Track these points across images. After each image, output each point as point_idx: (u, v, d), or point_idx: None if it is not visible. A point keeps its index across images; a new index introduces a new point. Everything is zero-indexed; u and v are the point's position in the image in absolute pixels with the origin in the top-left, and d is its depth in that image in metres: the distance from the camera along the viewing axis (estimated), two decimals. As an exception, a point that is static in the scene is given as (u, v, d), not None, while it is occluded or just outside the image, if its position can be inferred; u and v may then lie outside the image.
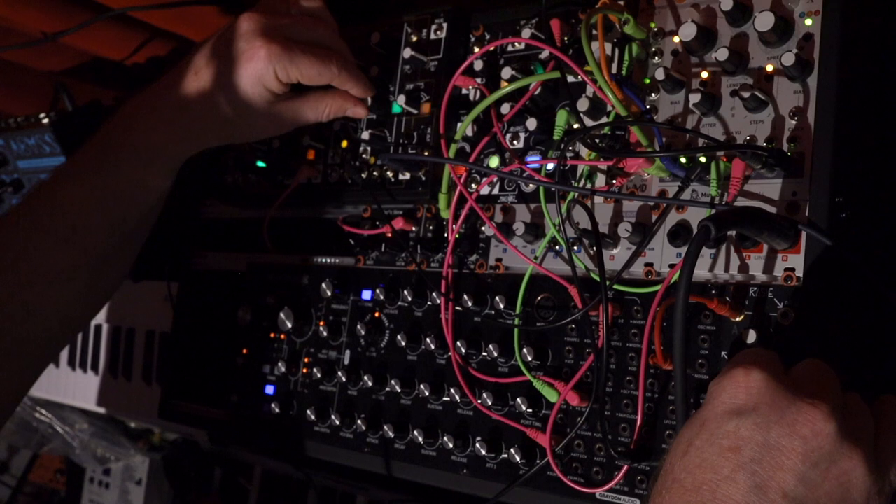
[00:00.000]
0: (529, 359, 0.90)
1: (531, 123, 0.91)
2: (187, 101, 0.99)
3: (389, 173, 1.03)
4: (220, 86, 0.98)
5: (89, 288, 1.06)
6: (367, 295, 1.06)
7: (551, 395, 0.87)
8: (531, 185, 0.93)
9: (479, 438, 0.92)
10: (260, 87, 0.97)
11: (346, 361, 1.06)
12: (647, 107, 0.85)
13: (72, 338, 1.16)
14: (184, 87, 0.99)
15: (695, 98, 0.81)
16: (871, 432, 0.63)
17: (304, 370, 1.10)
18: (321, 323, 1.09)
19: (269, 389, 1.13)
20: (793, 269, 0.75)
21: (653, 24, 0.87)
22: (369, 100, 1.05)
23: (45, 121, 1.33)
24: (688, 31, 0.81)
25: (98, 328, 1.50)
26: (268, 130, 1.04)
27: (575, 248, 0.87)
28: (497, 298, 0.93)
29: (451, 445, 0.94)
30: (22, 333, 0.99)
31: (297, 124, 1.04)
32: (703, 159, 0.79)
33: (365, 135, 1.04)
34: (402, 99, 1.02)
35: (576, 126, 0.87)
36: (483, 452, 0.91)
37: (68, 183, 1.02)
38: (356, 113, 1.04)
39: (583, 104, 0.86)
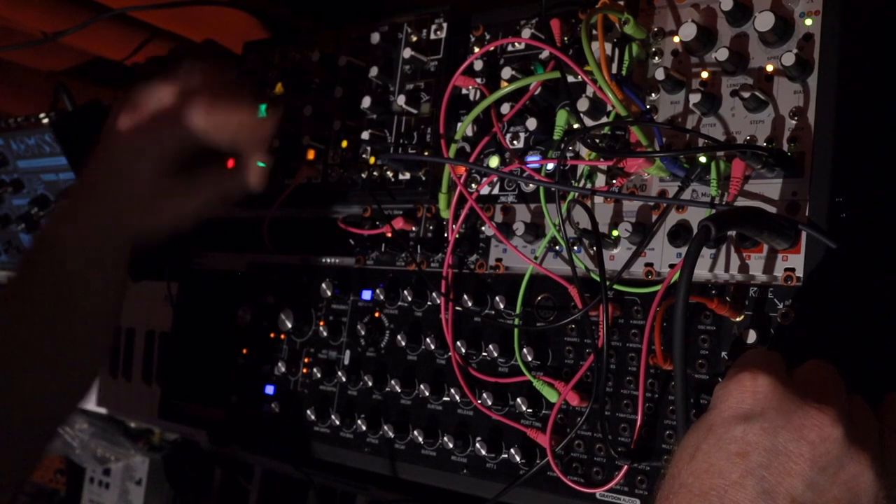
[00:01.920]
0: (529, 359, 0.90)
1: (531, 123, 0.91)
2: (95, 197, 1.00)
3: (389, 173, 1.03)
4: (105, 176, 0.99)
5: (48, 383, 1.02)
6: (367, 295, 1.06)
7: (551, 395, 0.87)
8: (531, 185, 0.93)
9: (479, 438, 0.92)
10: (137, 168, 0.97)
11: (346, 361, 1.06)
12: (647, 107, 0.85)
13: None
14: (87, 184, 1.01)
15: (695, 98, 0.81)
16: (876, 435, 0.62)
17: (304, 370, 1.10)
18: (321, 323, 1.09)
19: (269, 389, 1.13)
20: (793, 269, 0.75)
21: (652, 25, 0.87)
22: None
23: (45, 121, 1.33)
24: (688, 31, 0.81)
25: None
26: (169, 216, 1.02)
27: (575, 248, 0.87)
28: (497, 298, 0.93)
29: (451, 445, 0.94)
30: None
31: (184, 212, 1.02)
32: (703, 159, 0.79)
33: (365, 135, 1.04)
34: (402, 99, 1.02)
35: (576, 126, 0.87)
36: (483, 452, 0.91)
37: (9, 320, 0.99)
38: (258, 137, 1.02)
39: (583, 104, 0.86)
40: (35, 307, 0.97)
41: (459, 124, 0.98)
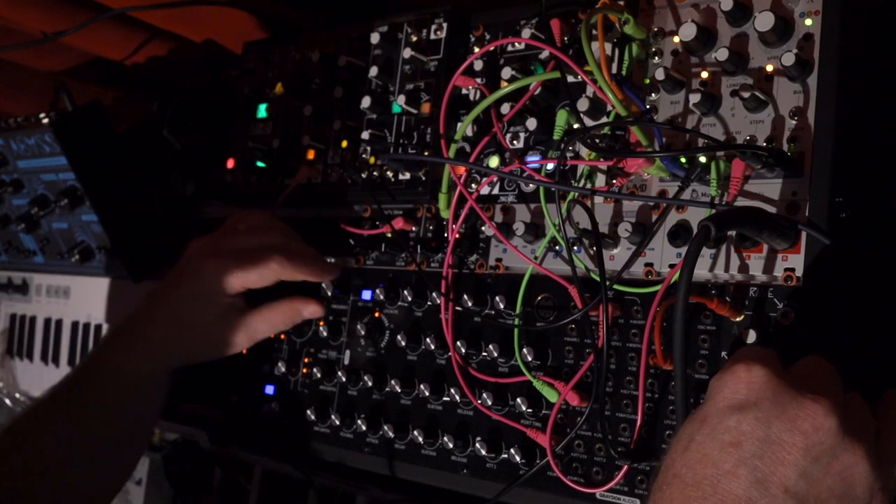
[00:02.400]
0: (529, 359, 0.90)
1: (531, 123, 0.91)
2: (153, 327, 1.03)
3: (389, 173, 1.03)
4: (173, 309, 1.03)
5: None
6: (367, 295, 1.06)
7: (551, 395, 0.87)
8: (531, 185, 0.93)
9: (479, 438, 0.92)
10: (208, 304, 1.02)
11: (346, 361, 1.06)
12: (647, 107, 0.85)
13: None
14: (146, 314, 1.04)
15: (695, 98, 0.81)
16: (872, 428, 0.63)
17: (304, 370, 1.10)
18: (321, 323, 1.09)
19: (269, 389, 1.13)
20: (793, 269, 0.75)
21: (653, 27, 0.87)
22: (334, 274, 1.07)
23: (45, 121, 1.32)
24: (688, 31, 0.81)
25: (98, 328, 1.50)
26: (228, 347, 1.05)
27: (575, 248, 0.87)
28: (497, 298, 0.93)
29: (451, 445, 0.93)
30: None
31: (256, 338, 1.06)
32: (703, 159, 0.79)
33: (365, 135, 1.04)
34: (402, 99, 1.02)
35: (576, 126, 0.87)
36: (483, 452, 0.91)
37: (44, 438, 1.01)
38: (312, 313, 1.06)
39: (583, 104, 0.86)
40: (72, 422, 1.01)
41: (459, 124, 0.98)
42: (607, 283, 0.83)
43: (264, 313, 1.05)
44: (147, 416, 1.08)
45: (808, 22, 0.78)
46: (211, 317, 1.03)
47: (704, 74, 0.83)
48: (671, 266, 0.82)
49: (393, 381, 0.99)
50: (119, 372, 1.02)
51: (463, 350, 0.94)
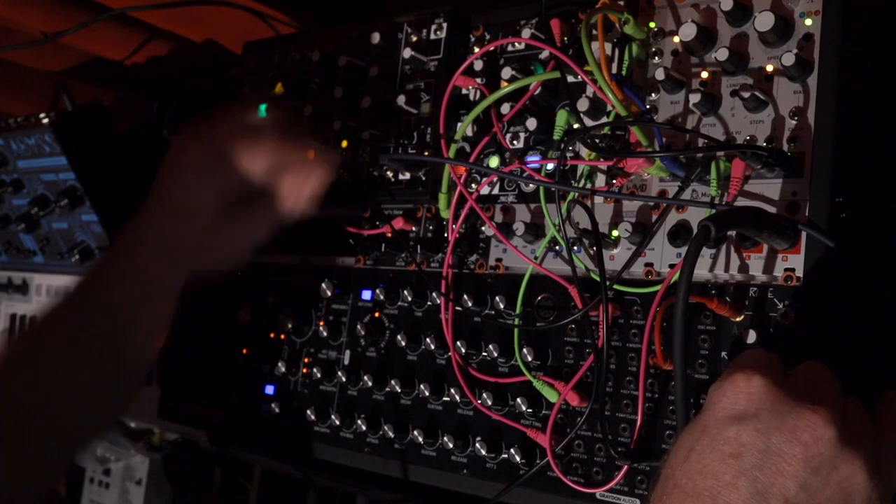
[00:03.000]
0: (529, 359, 0.90)
1: (531, 123, 0.91)
2: (155, 230, 0.98)
3: (389, 173, 1.03)
4: (167, 211, 0.98)
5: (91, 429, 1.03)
6: (367, 295, 1.06)
7: (551, 395, 0.87)
8: (531, 185, 0.93)
9: (479, 438, 0.92)
10: (202, 202, 0.96)
11: (346, 361, 1.06)
12: (647, 107, 0.85)
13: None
14: (146, 217, 0.99)
15: (695, 98, 0.81)
16: (871, 437, 0.62)
17: (304, 370, 1.10)
18: (321, 323, 1.09)
19: (269, 389, 1.13)
20: (793, 269, 0.75)
21: (652, 24, 0.87)
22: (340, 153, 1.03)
23: (45, 121, 1.32)
24: (688, 31, 0.81)
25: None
26: (241, 251, 1.01)
27: (575, 248, 0.87)
28: (497, 298, 0.93)
29: (451, 445, 0.93)
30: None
31: (262, 228, 1.00)
32: (702, 159, 0.79)
33: (365, 135, 1.04)
34: (401, 99, 1.02)
35: (576, 126, 0.87)
36: (483, 452, 0.91)
37: (54, 341, 0.98)
38: (316, 178, 0.98)
39: (583, 104, 0.86)
40: (78, 335, 0.97)
41: (459, 124, 0.98)
42: (607, 283, 0.83)
43: (271, 201, 0.99)
44: (154, 326, 1.02)
45: (808, 22, 0.78)
46: (208, 216, 0.97)
47: (704, 74, 0.83)
48: (671, 266, 0.82)
49: (393, 381, 0.99)
50: (124, 276, 0.97)
51: (463, 350, 0.94)
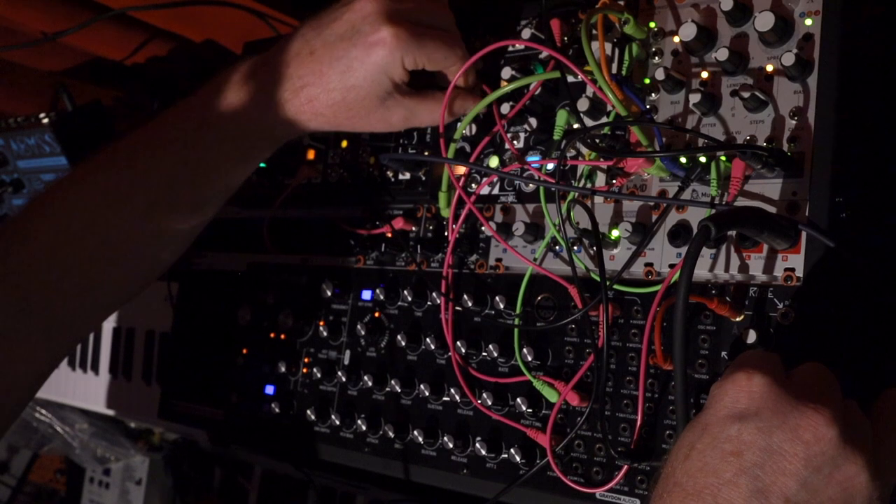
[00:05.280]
0: (529, 359, 0.90)
1: (531, 123, 0.91)
2: (301, 81, 0.91)
3: (389, 173, 1.03)
4: (338, 71, 0.90)
5: (147, 269, 1.00)
6: (367, 295, 1.06)
7: (551, 395, 0.87)
8: (531, 185, 0.93)
9: (479, 438, 0.92)
10: (382, 76, 0.89)
11: (346, 361, 1.06)
12: (647, 107, 0.85)
13: (105, 317, 1.08)
14: (297, 65, 0.91)
15: (695, 98, 0.81)
16: (870, 435, 0.63)
17: (304, 370, 1.10)
18: (321, 323, 1.09)
19: (269, 389, 1.13)
20: (793, 269, 0.75)
21: (653, 24, 0.87)
22: None
23: (45, 121, 1.33)
24: (688, 31, 0.81)
25: (98, 328, 1.50)
26: (378, 125, 0.94)
27: (575, 248, 0.87)
28: (497, 298, 0.93)
29: (451, 445, 0.94)
30: (62, 310, 0.94)
31: (411, 124, 0.95)
32: (703, 159, 0.79)
33: (365, 134, 1.04)
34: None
35: (576, 126, 0.87)
36: (483, 452, 0.91)
37: (148, 152, 0.95)
38: (471, 107, 0.94)
39: (583, 104, 0.86)
40: (165, 145, 0.94)
41: (459, 124, 0.98)
42: (607, 283, 0.83)
43: (429, 99, 0.93)
44: (237, 182, 0.98)
45: (808, 22, 0.78)
46: (379, 89, 0.90)
47: (704, 74, 0.83)
48: (671, 266, 0.82)
49: (393, 381, 0.99)
50: (230, 133, 0.93)
51: (463, 350, 0.94)
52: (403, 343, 1.00)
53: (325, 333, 1.08)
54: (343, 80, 0.90)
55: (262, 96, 0.93)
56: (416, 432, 0.96)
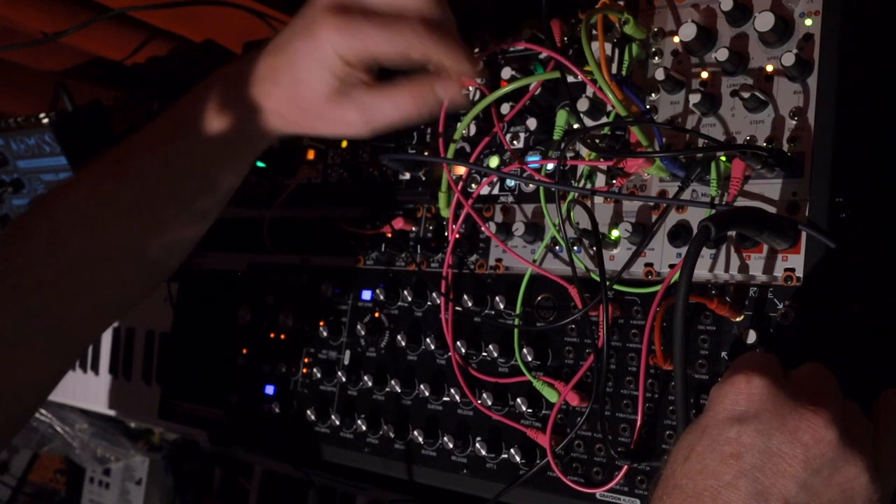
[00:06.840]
0: (529, 359, 0.90)
1: (531, 123, 0.91)
2: (259, 76, 0.88)
3: (389, 173, 1.03)
4: (284, 62, 0.85)
5: (145, 272, 0.99)
6: (367, 295, 1.06)
7: (551, 396, 0.87)
8: (531, 185, 0.93)
9: (479, 438, 0.92)
10: (321, 70, 0.83)
11: (346, 361, 1.06)
12: (647, 107, 0.85)
13: (109, 323, 1.06)
14: (260, 61, 0.88)
15: (695, 98, 0.81)
16: (870, 437, 0.63)
17: (304, 370, 1.10)
18: (321, 323, 1.09)
19: (269, 389, 1.13)
20: (793, 269, 0.75)
21: (653, 25, 0.87)
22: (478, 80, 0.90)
23: (45, 121, 1.33)
24: (688, 31, 0.81)
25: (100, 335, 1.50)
26: (339, 126, 0.87)
27: (575, 248, 0.87)
28: (497, 298, 0.93)
29: (451, 445, 0.94)
30: (63, 312, 0.94)
31: (374, 121, 0.85)
32: (702, 159, 0.79)
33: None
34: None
35: (576, 126, 0.87)
36: (483, 452, 0.91)
37: (137, 153, 0.95)
38: (448, 92, 0.83)
39: (583, 104, 0.86)
40: (155, 150, 0.93)
41: (459, 124, 0.98)
42: (607, 283, 0.83)
43: (387, 91, 0.83)
44: (224, 186, 0.95)
45: (808, 22, 0.78)
46: (322, 83, 0.83)
47: (704, 74, 0.83)
48: (671, 266, 0.82)
49: (393, 381, 0.99)
50: (205, 133, 0.90)
51: (463, 350, 0.94)
52: (403, 343, 1.00)
53: (325, 333, 1.08)
54: (290, 74, 0.85)
55: (229, 96, 0.91)
56: (416, 432, 0.96)
